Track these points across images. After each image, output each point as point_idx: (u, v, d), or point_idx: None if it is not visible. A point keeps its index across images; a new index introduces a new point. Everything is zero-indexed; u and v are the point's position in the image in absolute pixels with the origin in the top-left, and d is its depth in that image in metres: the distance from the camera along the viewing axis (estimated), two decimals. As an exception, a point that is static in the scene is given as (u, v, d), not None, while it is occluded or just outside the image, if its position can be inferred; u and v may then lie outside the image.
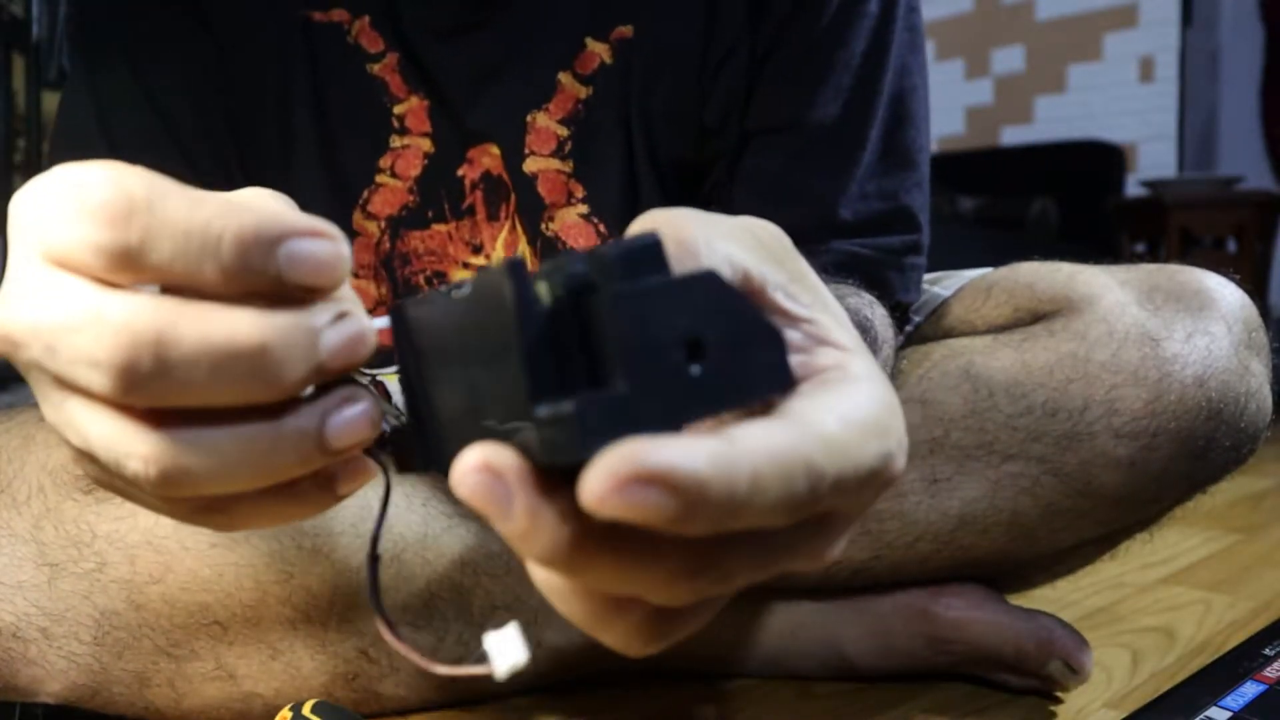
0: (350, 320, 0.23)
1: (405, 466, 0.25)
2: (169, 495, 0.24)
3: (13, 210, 0.25)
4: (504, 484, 0.20)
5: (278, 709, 0.53)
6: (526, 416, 0.20)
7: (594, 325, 0.20)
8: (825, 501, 0.22)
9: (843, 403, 0.23)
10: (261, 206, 0.23)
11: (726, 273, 0.23)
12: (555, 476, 0.20)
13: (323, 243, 0.23)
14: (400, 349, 0.24)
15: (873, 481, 0.23)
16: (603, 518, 0.19)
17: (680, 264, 0.22)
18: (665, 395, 0.20)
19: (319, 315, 0.23)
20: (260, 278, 0.23)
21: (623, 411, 0.19)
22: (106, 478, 0.26)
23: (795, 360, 0.24)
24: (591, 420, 0.19)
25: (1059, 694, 0.62)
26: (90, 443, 0.23)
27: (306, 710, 0.51)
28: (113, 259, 0.22)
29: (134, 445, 0.23)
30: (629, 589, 0.22)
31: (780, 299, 0.25)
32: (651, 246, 0.21)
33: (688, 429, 0.20)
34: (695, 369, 0.20)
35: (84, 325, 0.22)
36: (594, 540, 0.21)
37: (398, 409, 0.26)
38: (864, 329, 0.52)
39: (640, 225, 0.24)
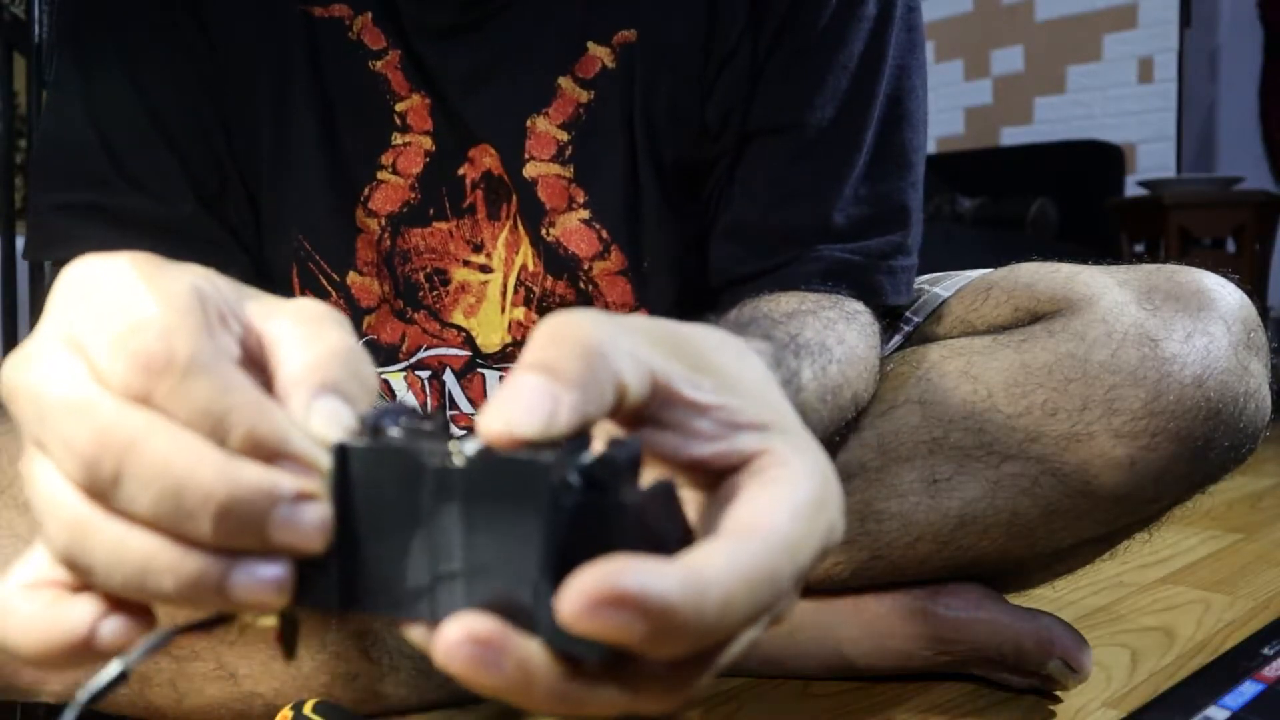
0: (312, 507, 0.23)
1: (315, 602, 0.24)
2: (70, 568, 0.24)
3: (71, 276, 0.25)
4: (493, 649, 0.21)
5: (278, 709, 0.53)
6: (535, 595, 0.22)
7: (607, 523, 0.22)
8: (787, 595, 0.23)
9: (788, 495, 0.24)
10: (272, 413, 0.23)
11: (630, 375, 0.24)
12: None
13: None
14: (340, 488, 0.23)
15: (822, 556, 0.24)
16: (577, 632, 0.20)
17: (591, 370, 0.23)
18: None
19: (284, 485, 0.22)
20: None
21: None
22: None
23: (712, 449, 0.25)
24: None
25: (1058, 693, 0.62)
26: (30, 490, 0.24)
27: (308, 709, 0.51)
28: (127, 394, 0.23)
29: (57, 509, 0.23)
30: (624, 709, 0.23)
31: (686, 390, 0.25)
32: (639, 456, 0.23)
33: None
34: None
35: (75, 411, 0.22)
36: (583, 678, 0.22)
37: (416, 410, 0.25)
38: (805, 353, 0.51)
39: (544, 326, 0.24)
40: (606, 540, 0.21)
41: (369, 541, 0.23)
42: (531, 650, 0.22)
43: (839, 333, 0.55)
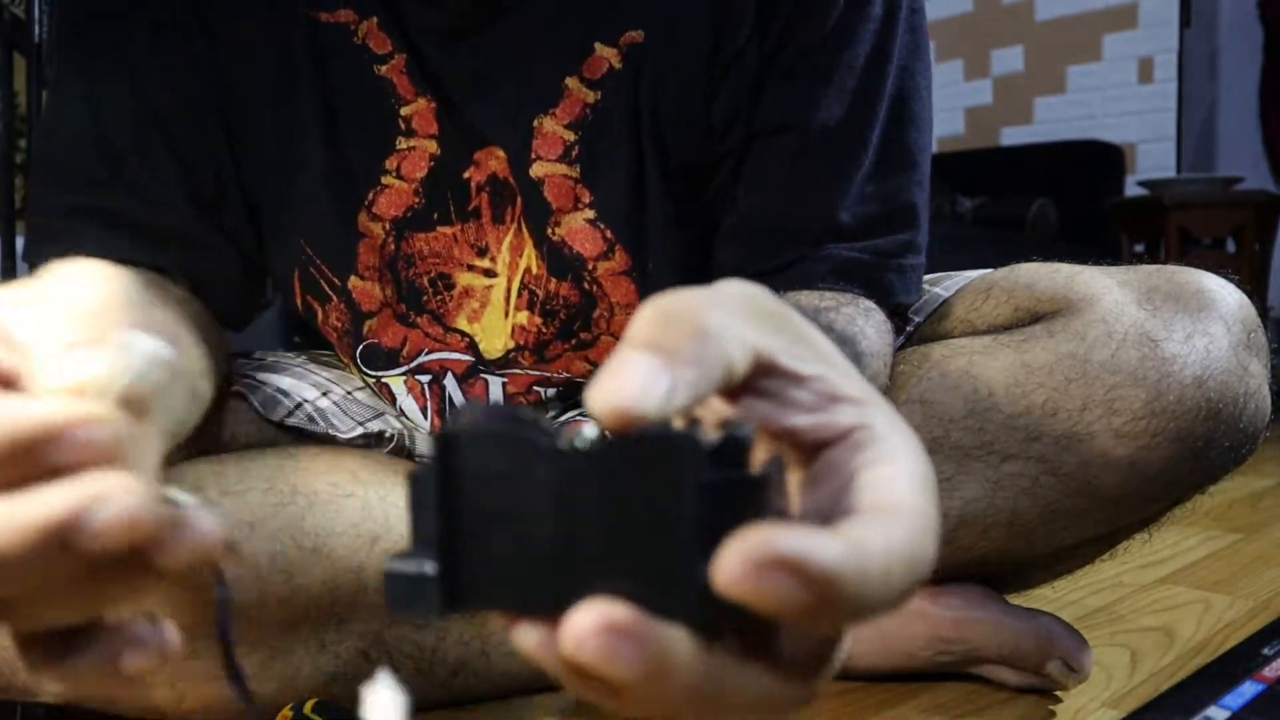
0: (96, 425, 0.23)
1: (415, 610, 0.23)
2: None
3: None
4: (631, 637, 0.20)
5: (278, 708, 0.53)
6: (672, 577, 0.21)
7: (743, 498, 0.21)
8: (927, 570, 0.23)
9: (907, 471, 0.24)
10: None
11: (738, 354, 0.24)
12: None
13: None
14: (444, 481, 0.22)
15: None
16: (735, 598, 0.20)
17: (703, 348, 0.23)
18: None
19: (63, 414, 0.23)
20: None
21: None
22: None
23: (812, 420, 0.25)
24: None
25: (1058, 693, 0.62)
26: None
27: (308, 709, 0.51)
28: None
29: None
30: (762, 702, 0.22)
31: (787, 363, 0.25)
32: (754, 438, 0.23)
33: None
34: None
35: None
36: (723, 664, 0.21)
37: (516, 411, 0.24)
38: (848, 342, 0.52)
39: (650, 306, 0.24)
40: (743, 515, 0.21)
41: (479, 536, 0.22)
42: (672, 636, 0.20)
43: (861, 327, 0.55)
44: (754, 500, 0.22)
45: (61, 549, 0.22)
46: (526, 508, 0.22)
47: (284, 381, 0.66)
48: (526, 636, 0.22)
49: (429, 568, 0.22)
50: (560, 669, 0.21)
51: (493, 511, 0.22)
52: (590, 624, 0.20)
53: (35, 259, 0.63)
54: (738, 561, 0.19)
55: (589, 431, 0.22)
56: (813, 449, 0.25)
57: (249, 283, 0.67)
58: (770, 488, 0.22)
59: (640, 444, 0.21)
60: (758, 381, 0.25)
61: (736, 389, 0.25)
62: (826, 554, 0.19)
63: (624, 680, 0.20)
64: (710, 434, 0.22)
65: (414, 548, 0.22)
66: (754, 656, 0.22)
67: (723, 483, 0.21)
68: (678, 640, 0.20)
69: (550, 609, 0.21)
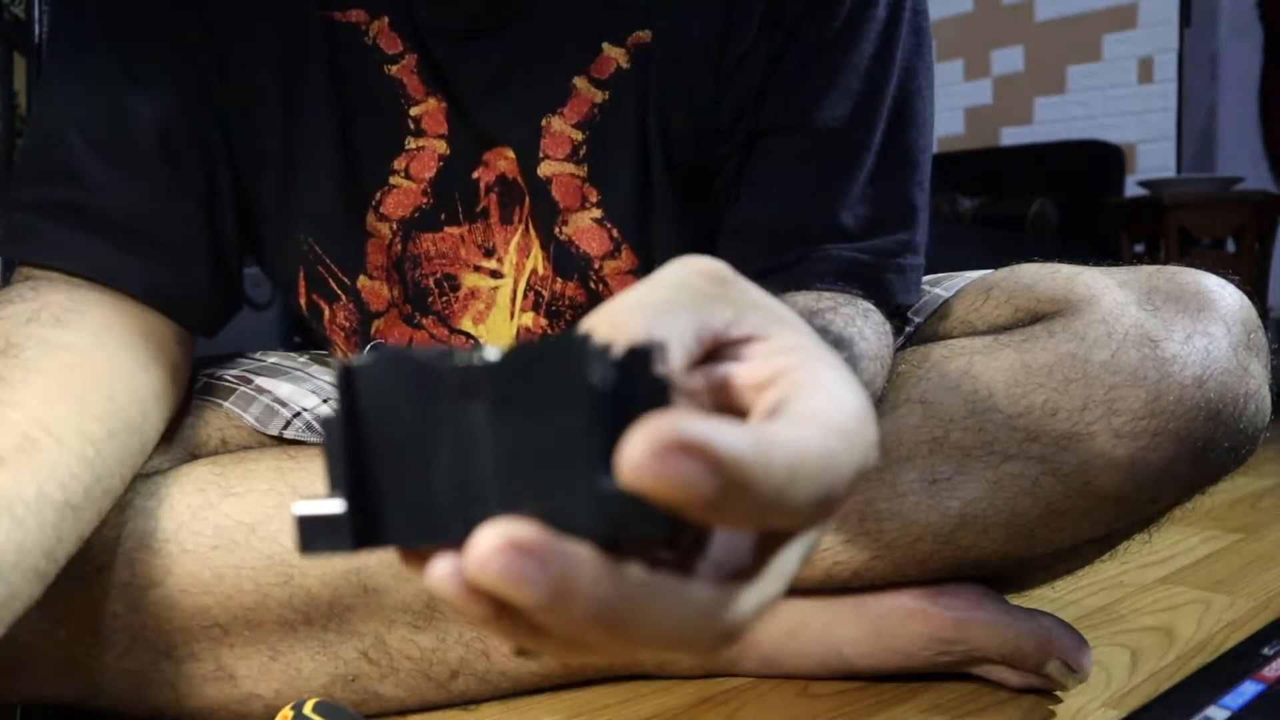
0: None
1: (327, 547, 0.22)
2: None
3: None
4: (534, 554, 0.19)
5: (278, 710, 0.53)
6: (576, 488, 0.20)
7: (649, 402, 0.20)
8: (841, 499, 0.22)
9: (834, 398, 0.23)
10: None
11: (679, 351, 0.23)
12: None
13: None
14: (349, 416, 0.21)
15: (864, 473, 0.23)
16: (639, 488, 0.19)
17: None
18: None
19: None
20: None
21: None
22: None
23: (748, 371, 0.24)
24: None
25: (1058, 693, 0.62)
26: None
27: (308, 710, 0.51)
28: None
29: None
30: (677, 630, 0.21)
31: (728, 332, 0.25)
32: (661, 350, 0.22)
33: None
34: None
35: None
36: (634, 578, 0.20)
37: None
38: (845, 344, 0.52)
39: (593, 320, 0.24)
40: (655, 404, 0.20)
41: (387, 470, 0.21)
42: (577, 552, 0.19)
43: (859, 328, 0.55)
44: (658, 404, 0.20)
45: None
46: (432, 435, 0.21)
47: (283, 389, 0.65)
48: (437, 570, 0.20)
49: (336, 507, 0.21)
50: (468, 603, 0.20)
51: (398, 442, 0.21)
52: (491, 545, 0.19)
53: (9, 256, 0.63)
54: (642, 448, 0.18)
55: (490, 351, 0.21)
56: (758, 394, 0.24)
57: (221, 291, 0.65)
58: (674, 390, 0.21)
59: (536, 351, 0.20)
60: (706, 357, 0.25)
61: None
62: (733, 438, 0.19)
63: (531, 602, 0.19)
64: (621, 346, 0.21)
65: (328, 490, 0.22)
66: (668, 576, 0.21)
67: (623, 386, 0.20)
68: (583, 556, 0.19)
69: (462, 537, 0.20)
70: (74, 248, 0.58)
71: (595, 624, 0.20)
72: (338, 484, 0.21)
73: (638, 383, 0.20)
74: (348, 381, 0.21)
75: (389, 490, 0.21)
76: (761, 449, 0.19)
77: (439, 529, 0.21)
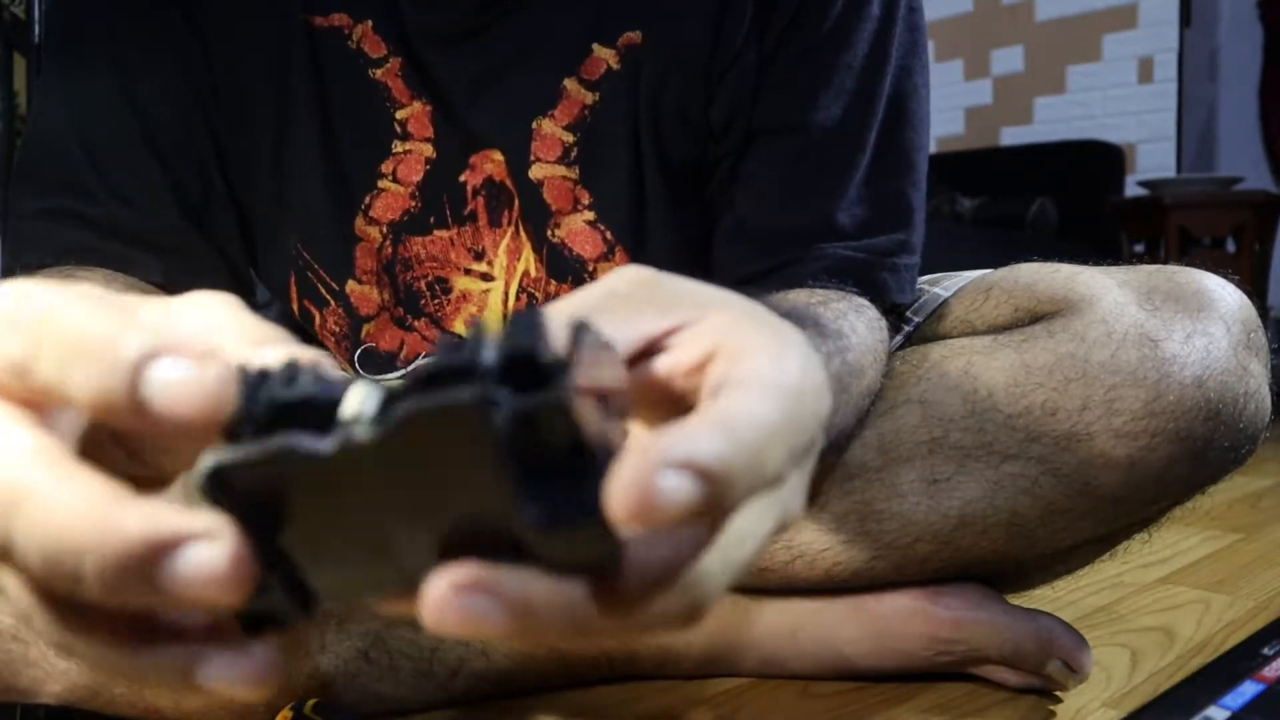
0: (202, 547, 0.20)
1: (275, 624, 0.22)
2: None
3: None
4: (483, 591, 0.19)
5: (278, 709, 0.53)
6: (510, 518, 0.19)
7: (550, 415, 0.19)
8: (811, 448, 0.23)
9: (770, 361, 0.23)
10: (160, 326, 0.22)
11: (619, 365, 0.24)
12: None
13: None
14: (239, 506, 0.20)
15: (819, 424, 0.23)
16: (640, 522, 0.19)
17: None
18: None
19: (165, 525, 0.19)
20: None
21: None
22: None
23: (672, 361, 0.24)
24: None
25: (1058, 693, 0.62)
26: None
27: (308, 709, 0.51)
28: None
29: None
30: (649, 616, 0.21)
31: (661, 328, 0.25)
32: (541, 321, 0.20)
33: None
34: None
35: None
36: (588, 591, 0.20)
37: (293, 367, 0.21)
38: (834, 336, 0.52)
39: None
40: (553, 437, 0.19)
41: (300, 542, 0.21)
42: (525, 576, 0.20)
43: (851, 322, 0.55)
44: (559, 421, 0.19)
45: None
46: (334, 505, 0.20)
47: None
48: (395, 609, 0.21)
49: (276, 597, 0.21)
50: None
51: (300, 519, 0.21)
52: (441, 593, 0.19)
53: (13, 263, 0.63)
54: (633, 496, 0.18)
55: (367, 409, 0.20)
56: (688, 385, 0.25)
57: (237, 288, 0.66)
58: (569, 403, 0.19)
59: (419, 415, 0.19)
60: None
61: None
62: (708, 444, 0.19)
63: (500, 633, 0.19)
64: (490, 349, 0.19)
65: (260, 577, 0.21)
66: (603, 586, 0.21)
67: (520, 422, 0.19)
68: (532, 579, 0.20)
69: (400, 586, 0.21)
70: (88, 248, 0.58)
71: (568, 629, 0.20)
72: (268, 569, 0.21)
73: (527, 403, 0.19)
74: (218, 481, 0.20)
75: (310, 562, 0.21)
76: (732, 442, 0.20)
77: (382, 584, 0.21)
